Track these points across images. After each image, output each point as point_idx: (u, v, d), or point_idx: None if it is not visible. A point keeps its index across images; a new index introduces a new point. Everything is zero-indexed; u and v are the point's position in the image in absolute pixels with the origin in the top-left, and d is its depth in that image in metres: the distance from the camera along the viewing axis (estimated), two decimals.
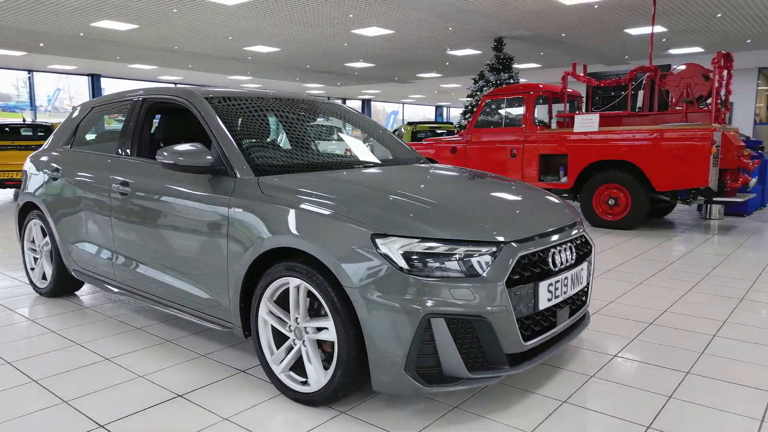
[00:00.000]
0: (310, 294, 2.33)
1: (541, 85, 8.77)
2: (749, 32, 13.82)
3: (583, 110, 9.70)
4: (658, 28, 12.56)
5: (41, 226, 4.03)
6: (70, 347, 3.07)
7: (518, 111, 9.09)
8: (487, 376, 2.14)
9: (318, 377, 2.29)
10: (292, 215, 2.34)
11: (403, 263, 2.07)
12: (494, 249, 2.16)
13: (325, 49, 15.65)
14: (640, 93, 9.31)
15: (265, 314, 2.48)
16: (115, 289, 3.40)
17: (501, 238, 2.21)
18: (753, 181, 7.61)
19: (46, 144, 4.23)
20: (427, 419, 2.24)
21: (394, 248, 2.10)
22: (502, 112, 9.50)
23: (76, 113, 4.02)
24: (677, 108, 8.00)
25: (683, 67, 7.89)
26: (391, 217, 2.19)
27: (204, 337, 3.20)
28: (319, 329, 2.30)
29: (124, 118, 3.55)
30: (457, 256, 2.10)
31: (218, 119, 2.91)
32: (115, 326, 3.42)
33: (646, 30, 12.85)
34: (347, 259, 2.13)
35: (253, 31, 12.93)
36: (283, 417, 2.28)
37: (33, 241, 4.14)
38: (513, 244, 2.22)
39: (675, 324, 3.41)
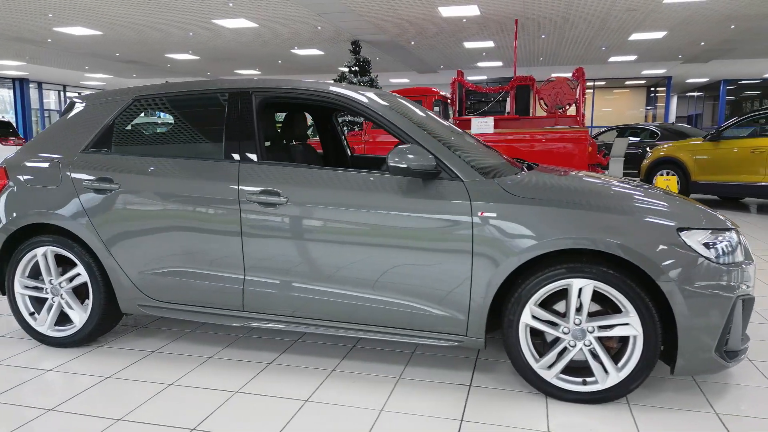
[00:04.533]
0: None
1: (434, 89, 9.42)
2: (543, 51, 16.70)
3: (456, 114, 10.65)
4: (490, 44, 14.38)
5: (56, 256, 3.04)
6: (235, 396, 2.47)
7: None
8: (746, 347, 2.47)
9: (610, 374, 2.34)
10: (577, 216, 2.32)
11: (707, 253, 2.28)
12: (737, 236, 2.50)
13: (158, 37, 13.98)
14: (508, 99, 10.65)
15: (529, 320, 2.41)
16: (234, 318, 2.80)
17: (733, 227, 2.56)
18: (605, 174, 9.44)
19: (30, 147, 3.18)
20: (695, 393, 2.48)
21: (695, 240, 2.29)
22: None
23: (101, 107, 3.11)
24: (551, 113, 9.41)
25: (554, 78, 9.33)
26: (684, 212, 2.37)
27: (359, 359, 2.87)
28: (603, 327, 2.35)
29: (213, 116, 2.92)
30: (732, 242, 2.38)
31: (408, 120, 2.67)
32: (242, 366, 2.82)
33: (478, 44, 14.57)
34: (657, 253, 2.24)
35: (85, 9, 10.91)
36: (593, 423, 2.28)
37: (33, 277, 3.09)
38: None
39: None
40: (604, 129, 15.49)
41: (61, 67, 20.78)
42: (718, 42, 14.87)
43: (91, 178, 2.93)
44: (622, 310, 2.31)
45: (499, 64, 19.32)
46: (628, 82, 27.10)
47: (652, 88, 29.70)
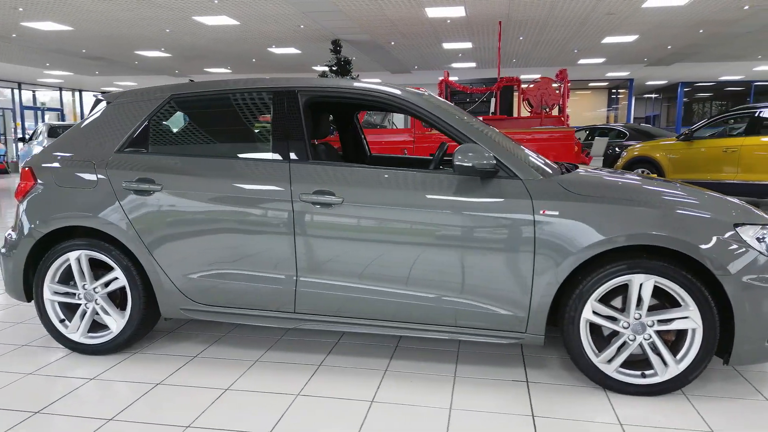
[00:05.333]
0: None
1: (423, 90, 9.47)
2: (517, 53, 16.99)
3: None
4: (468, 45, 14.54)
5: (90, 260, 2.92)
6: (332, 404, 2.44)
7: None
8: None
9: (669, 366, 2.42)
10: (639, 214, 2.38)
11: (759, 247, 2.37)
12: None
13: (133, 33, 13.55)
14: (492, 100, 10.80)
15: (590, 315, 2.47)
16: (284, 320, 2.77)
17: None
18: None
19: (56, 147, 3.04)
20: (741, 382, 2.59)
21: (749, 235, 2.38)
22: (386, 114, 9.88)
23: (133, 106, 3.00)
24: (536, 113, 9.59)
25: (539, 79, 9.50)
26: (736, 208, 2.46)
27: (406, 359, 2.87)
28: (662, 321, 2.42)
29: (257, 115, 2.89)
30: None
31: (462, 119, 2.70)
32: (293, 368, 2.78)
33: (456, 45, 14.72)
34: (718, 249, 2.32)
35: (59, 3, 10.48)
36: (657, 416, 2.35)
37: (63, 282, 2.97)
38: None
39: None
40: (574, 129, 15.91)
41: (21, 63, 19.88)
42: (685, 46, 15.46)
43: (131, 179, 2.83)
44: (682, 303, 2.39)
45: (473, 65, 19.55)
46: (591, 84, 27.87)
47: (614, 90, 30.66)
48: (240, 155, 2.84)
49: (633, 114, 32.55)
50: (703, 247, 2.32)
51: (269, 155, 2.79)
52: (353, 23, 11.62)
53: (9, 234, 3.05)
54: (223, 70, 21.45)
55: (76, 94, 30.10)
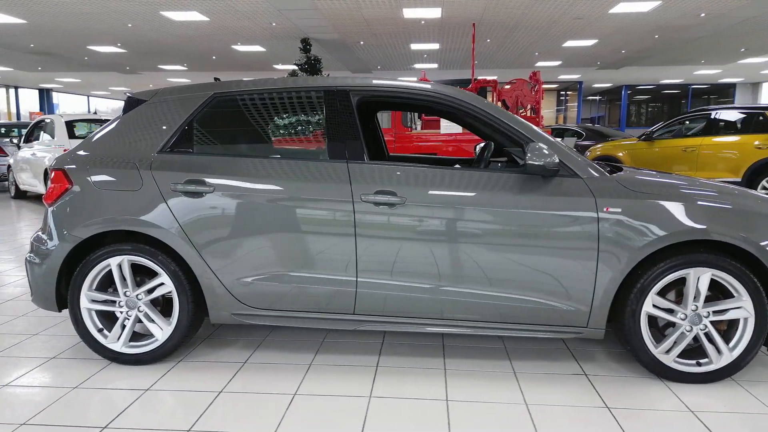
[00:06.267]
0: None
1: None
2: (480, 55, 17.35)
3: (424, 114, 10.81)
4: (435, 46, 14.72)
5: (133, 266, 2.79)
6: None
7: (385, 113, 9.63)
8: None
9: (723, 354, 2.55)
10: (699, 210, 2.50)
11: None
12: None
13: (91, 27, 12.90)
14: None
15: (650, 308, 2.57)
16: (343, 322, 2.74)
17: None
18: None
19: (88, 147, 2.89)
20: None
21: None
22: None
23: (173, 104, 2.88)
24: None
25: (515, 81, 9.76)
26: None
27: (459, 357, 2.90)
28: (717, 311, 2.56)
29: (307, 115, 2.85)
30: None
31: (520, 120, 2.75)
32: (352, 370, 2.75)
33: (424, 46, 14.87)
34: None
35: None
36: (715, 402, 2.47)
37: (101, 290, 2.82)
38: None
39: None
40: (549, 129, 16.40)
41: None
42: (637, 50, 16.24)
43: (179, 180, 2.72)
44: (735, 294, 2.53)
45: (435, 66, 19.81)
46: (543, 86, 28.75)
47: (563, 92, 31.82)
48: (294, 156, 2.79)
49: (581, 115, 33.87)
50: (759, 241, 2.47)
51: (326, 156, 2.75)
52: (327, 22, 11.54)
53: (38, 239, 2.87)
54: (178, 67, 20.80)
55: (11, 90, 28.32)
